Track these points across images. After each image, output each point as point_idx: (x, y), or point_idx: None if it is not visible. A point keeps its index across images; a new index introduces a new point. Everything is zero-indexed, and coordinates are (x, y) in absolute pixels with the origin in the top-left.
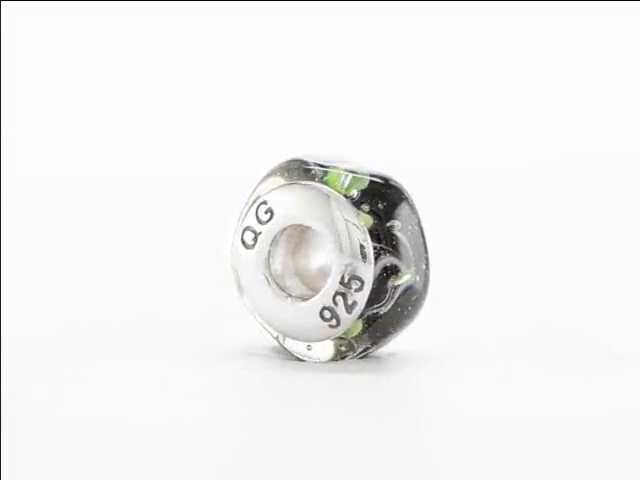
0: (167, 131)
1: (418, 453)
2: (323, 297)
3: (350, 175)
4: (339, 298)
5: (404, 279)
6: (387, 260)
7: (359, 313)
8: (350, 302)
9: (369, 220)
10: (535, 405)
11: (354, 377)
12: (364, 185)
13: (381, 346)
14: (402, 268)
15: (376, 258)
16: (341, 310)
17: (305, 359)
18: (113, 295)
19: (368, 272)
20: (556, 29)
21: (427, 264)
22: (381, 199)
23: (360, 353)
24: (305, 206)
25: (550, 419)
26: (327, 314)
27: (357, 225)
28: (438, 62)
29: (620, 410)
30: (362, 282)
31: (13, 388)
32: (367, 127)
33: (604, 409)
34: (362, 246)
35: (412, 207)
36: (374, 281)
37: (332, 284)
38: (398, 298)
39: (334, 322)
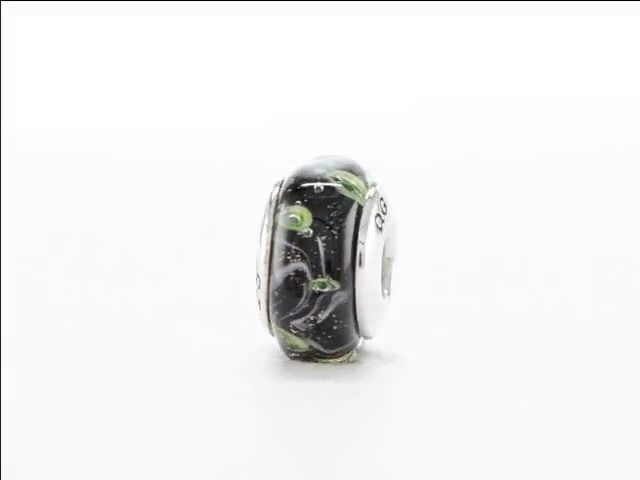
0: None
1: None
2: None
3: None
4: (257, 293)
5: (318, 287)
6: (298, 265)
7: (265, 311)
8: (258, 299)
9: (307, 216)
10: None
11: (337, 384)
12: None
13: (341, 355)
14: (309, 275)
15: (288, 261)
16: (259, 305)
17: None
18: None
19: (262, 271)
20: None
21: (341, 277)
22: (321, 204)
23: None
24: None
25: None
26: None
27: (267, 224)
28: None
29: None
30: (260, 280)
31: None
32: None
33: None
34: (263, 245)
35: (357, 220)
36: (282, 283)
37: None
38: (331, 308)
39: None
